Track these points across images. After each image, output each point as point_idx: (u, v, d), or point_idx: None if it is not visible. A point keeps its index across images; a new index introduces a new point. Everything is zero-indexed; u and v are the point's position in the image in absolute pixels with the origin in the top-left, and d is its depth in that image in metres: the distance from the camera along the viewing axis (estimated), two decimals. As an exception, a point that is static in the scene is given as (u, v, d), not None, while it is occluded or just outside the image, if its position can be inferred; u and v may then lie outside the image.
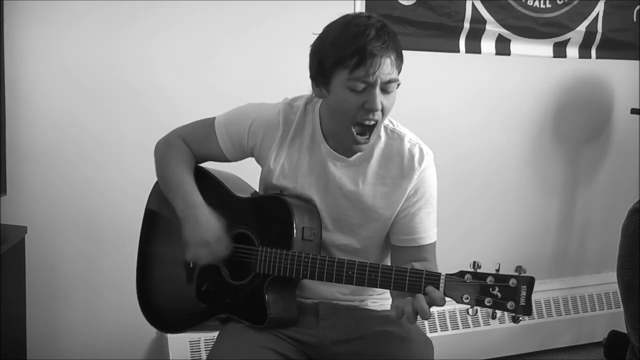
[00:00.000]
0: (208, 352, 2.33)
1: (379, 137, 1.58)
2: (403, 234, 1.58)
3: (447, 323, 2.70)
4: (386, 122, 1.59)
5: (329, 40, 1.45)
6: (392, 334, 1.57)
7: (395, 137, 1.59)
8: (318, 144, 1.58)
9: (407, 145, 1.57)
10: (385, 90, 1.45)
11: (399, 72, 1.47)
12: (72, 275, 2.32)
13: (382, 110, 1.46)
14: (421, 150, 1.57)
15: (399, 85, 1.48)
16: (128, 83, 2.27)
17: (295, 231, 1.50)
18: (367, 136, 1.49)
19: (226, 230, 1.57)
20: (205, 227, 1.55)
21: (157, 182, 1.72)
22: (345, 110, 1.46)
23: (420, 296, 1.32)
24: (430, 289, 1.32)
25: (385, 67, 1.42)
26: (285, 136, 1.59)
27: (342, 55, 1.42)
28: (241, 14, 2.34)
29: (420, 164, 1.56)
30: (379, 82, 1.42)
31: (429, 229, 1.59)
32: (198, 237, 1.54)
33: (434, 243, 1.60)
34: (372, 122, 1.47)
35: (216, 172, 1.72)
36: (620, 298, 1.57)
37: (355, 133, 1.48)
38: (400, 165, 1.56)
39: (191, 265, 1.64)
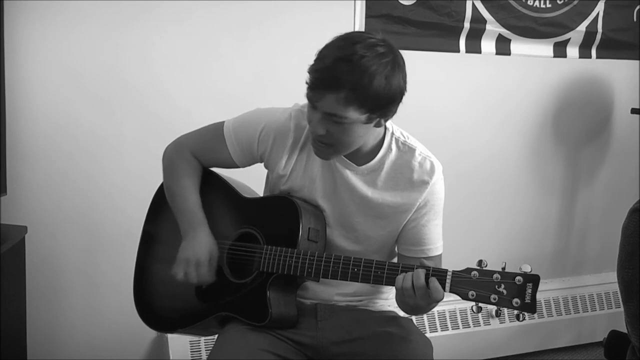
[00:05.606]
0: (208, 352, 2.34)
1: (390, 149, 1.57)
2: (411, 244, 1.59)
3: (447, 323, 2.70)
4: (397, 134, 1.58)
5: (319, 51, 1.44)
6: (392, 334, 1.57)
7: (406, 150, 1.58)
8: None
9: (417, 158, 1.57)
10: (333, 121, 1.41)
11: (360, 110, 1.39)
12: (72, 275, 2.32)
13: (331, 139, 1.44)
14: (432, 163, 1.57)
15: (376, 123, 1.45)
16: (129, 83, 2.27)
17: (301, 230, 1.51)
18: (322, 151, 1.48)
19: (228, 234, 1.57)
20: (199, 247, 1.56)
21: (161, 185, 1.73)
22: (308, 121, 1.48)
23: (420, 270, 1.36)
24: (432, 280, 1.35)
25: (326, 101, 1.38)
26: (296, 142, 1.58)
27: (309, 70, 1.42)
28: (243, 14, 2.34)
29: (431, 177, 1.56)
30: (319, 109, 1.42)
31: (436, 240, 1.59)
32: (190, 256, 1.56)
33: (441, 255, 1.60)
34: (319, 145, 1.47)
35: (224, 175, 1.72)
36: (620, 298, 1.57)
37: (315, 141, 1.48)
38: (410, 178, 1.56)
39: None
